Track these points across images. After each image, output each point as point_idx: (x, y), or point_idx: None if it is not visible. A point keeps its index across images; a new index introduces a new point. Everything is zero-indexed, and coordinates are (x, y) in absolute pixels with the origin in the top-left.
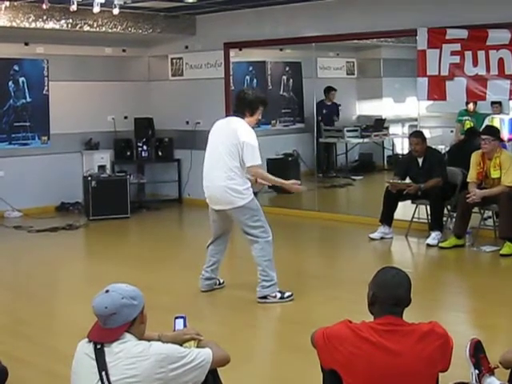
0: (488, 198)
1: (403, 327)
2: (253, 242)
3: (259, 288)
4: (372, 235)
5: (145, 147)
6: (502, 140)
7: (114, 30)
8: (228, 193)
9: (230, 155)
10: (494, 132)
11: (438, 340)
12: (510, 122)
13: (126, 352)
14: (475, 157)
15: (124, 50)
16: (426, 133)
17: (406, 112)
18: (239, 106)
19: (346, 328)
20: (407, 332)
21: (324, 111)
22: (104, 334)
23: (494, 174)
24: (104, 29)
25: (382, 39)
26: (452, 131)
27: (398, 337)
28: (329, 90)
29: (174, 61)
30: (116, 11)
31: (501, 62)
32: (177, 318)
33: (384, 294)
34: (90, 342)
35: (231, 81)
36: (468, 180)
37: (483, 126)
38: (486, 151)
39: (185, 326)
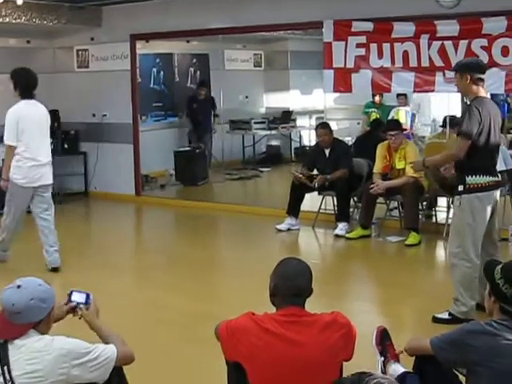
0: (393, 189)
1: (305, 318)
2: None
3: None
4: (279, 226)
5: (50, 140)
6: (404, 130)
7: (18, 20)
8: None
9: None
10: (399, 126)
11: (340, 330)
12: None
13: (28, 347)
14: (381, 149)
15: (28, 42)
16: (333, 125)
17: (313, 104)
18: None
19: (249, 320)
20: (309, 322)
21: (194, 105)
22: (7, 328)
23: (399, 165)
24: (8, 19)
25: (289, 31)
26: (359, 123)
27: (300, 327)
28: (199, 86)
29: (80, 52)
30: (20, 1)
31: (405, 54)
32: (76, 291)
33: (285, 285)
34: None
35: (138, 73)
36: (374, 171)
37: (389, 117)
38: (395, 145)
39: (87, 303)
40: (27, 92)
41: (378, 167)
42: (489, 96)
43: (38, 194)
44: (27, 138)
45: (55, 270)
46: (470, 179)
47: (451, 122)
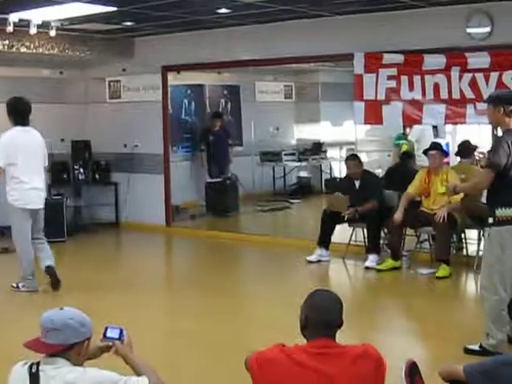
0: (422, 221)
1: (336, 349)
2: None
3: None
4: (309, 258)
5: (82, 170)
6: (447, 155)
7: (51, 51)
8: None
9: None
10: (441, 147)
11: (371, 362)
12: (446, 146)
13: (60, 377)
14: (421, 173)
15: (61, 72)
16: (363, 156)
17: (343, 136)
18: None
19: (279, 352)
20: (340, 354)
21: (211, 138)
22: (39, 344)
23: (441, 189)
24: (41, 50)
25: (319, 63)
26: (389, 155)
27: (332, 359)
28: (213, 118)
29: (112, 83)
30: (53, 33)
31: (436, 86)
32: (110, 327)
33: (316, 317)
34: (25, 364)
35: (169, 104)
36: (407, 191)
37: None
38: (435, 166)
39: (120, 338)
40: (19, 118)
41: (411, 188)
42: None
43: (34, 217)
44: (22, 162)
45: (49, 267)
46: (500, 212)
47: (465, 147)
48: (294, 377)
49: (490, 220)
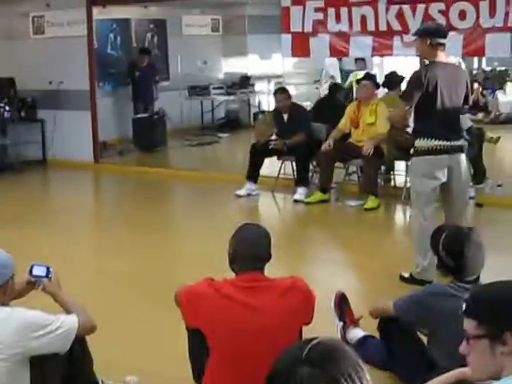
0: (353, 153)
1: (264, 282)
2: None
3: None
4: (238, 192)
5: (7, 108)
6: (379, 86)
7: None
8: None
9: None
10: (372, 78)
11: (299, 294)
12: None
13: None
14: (350, 107)
15: None
16: (292, 89)
17: (271, 69)
18: None
19: (208, 286)
20: (268, 287)
21: (137, 73)
22: None
23: (370, 120)
24: None
25: None
26: (317, 88)
27: (260, 292)
28: (140, 53)
29: (36, 19)
30: None
31: (363, 18)
32: (36, 264)
33: (244, 250)
34: None
35: (94, 39)
36: (338, 126)
37: (347, 82)
38: (366, 96)
39: (47, 275)
40: None
41: (342, 123)
42: (451, 60)
43: None
44: None
45: None
46: (418, 142)
47: (392, 79)
48: (223, 310)
49: (412, 151)
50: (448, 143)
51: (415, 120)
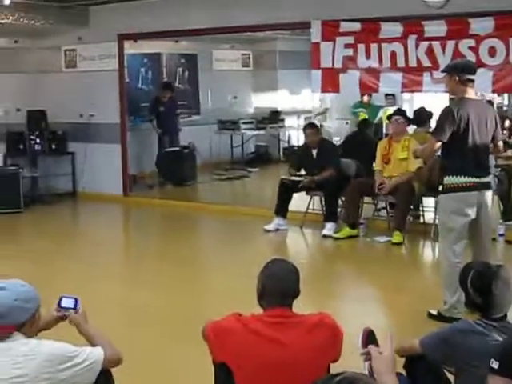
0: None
1: (292, 319)
2: None
3: None
4: (267, 227)
5: (38, 140)
6: (410, 121)
7: (6, 20)
8: None
9: None
10: (404, 113)
11: (327, 330)
12: None
13: (14, 350)
14: (381, 144)
15: (16, 41)
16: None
17: (301, 104)
18: None
19: (235, 321)
20: (296, 323)
21: (161, 108)
22: None
23: (402, 155)
24: None
25: (277, 32)
26: (347, 123)
27: (287, 328)
28: (163, 88)
29: (68, 52)
30: (7, 1)
31: (393, 54)
32: (65, 296)
33: (272, 286)
34: None
35: (126, 73)
36: (374, 168)
37: (377, 117)
38: (396, 131)
39: (75, 307)
40: None
41: (378, 163)
42: (479, 97)
43: None
44: None
45: None
46: (447, 179)
47: (420, 115)
48: (250, 345)
49: (440, 188)
50: (477, 180)
51: (444, 156)
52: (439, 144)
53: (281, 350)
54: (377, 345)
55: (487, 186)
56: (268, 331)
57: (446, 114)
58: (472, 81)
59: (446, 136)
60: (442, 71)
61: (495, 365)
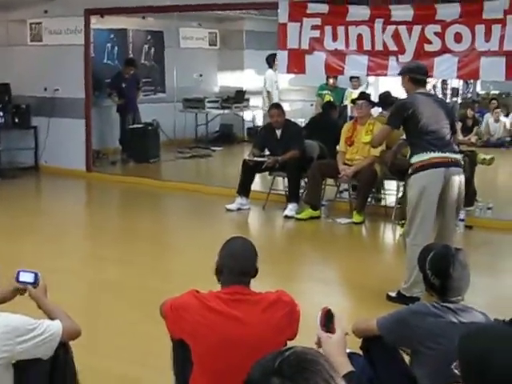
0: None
1: (250, 296)
2: None
3: None
4: (229, 206)
5: (1, 113)
6: (375, 105)
7: None
8: None
9: None
10: (368, 97)
11: (284, 308)
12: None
13: None
14: (346, 125)
15: None
16: (286, 106)
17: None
18: None
19: (193, 298)
20: (254, 301)
21: (123, 84)
22: None
23: (365, 139)
24: None
25: (244, 11)
26: (312, 105)
27: (245, 306)
28: (126, 64)
29: (33, 26)
30: None
31: (359, 37)
32: (23, 270)
33: (230, 264)
34: None
35: (91, 48)
36: (338, 149)
37: (343, 99)
38: (361, 115)
39: (34, 282)
40: None
41: (341, 146)
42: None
43: None
44: None
45: None
46: (414, 159)
47: (386, 99)
48: (207, 322)
49: (410, 170)
50: (443, 155)
51: (410, 146)
52: (388, 131)
53: (238, 327)
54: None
55: (455, 163)
56: (226, 308)
57: (398, 104)
58: (424, 81)
59: (398, 124)
60: (398, 74)
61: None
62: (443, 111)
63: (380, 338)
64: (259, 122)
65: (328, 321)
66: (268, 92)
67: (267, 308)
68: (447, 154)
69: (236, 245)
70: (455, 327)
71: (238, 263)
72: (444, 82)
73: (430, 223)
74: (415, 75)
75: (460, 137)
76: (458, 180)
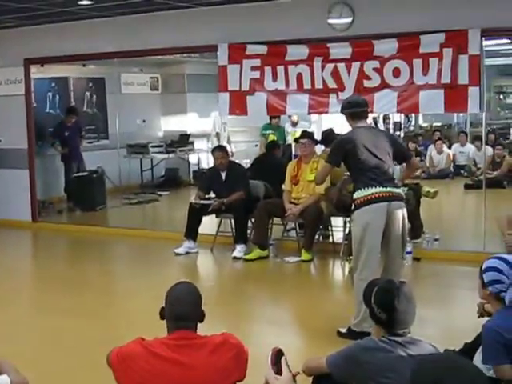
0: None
1: (196, 340)
2: None
3: None
4: (177, 250)
5: None
6: (318, 142)
7: None
8: None
9: None
10: (311, 135)
11: (231, 350)
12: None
13: None
14: (291, 164)
15: None
16: (232, 147)
17: (209, 127)
18: None
19: (139, 346)
20: (199, 345)
21: (66, 133)
22: None
23: (310, 177)
24: None
25: (185, 55)
26: (256, 145)
27: (191, 350)
28: (68, 113)
29: None
30: None
31: (299, 76)
32: None
33: (172, 309)
34: None
35: (33, 97)
36: (284, 188)
37: (287, 138)
38: (305, 154)
39: None
40: None
41: (287, 184)
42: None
43: None
44: None
45: None
46: (356, 194)
47: (328, 136)
48: (154, 369)
49: (352, 205)
50: (384, 190)
51: (353, 181)
52: (329, 168)
53: (185, 372)
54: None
55: (397, 197)
56: (171, 354)
57: (337, 141)
58: (365, 113)
59: (338, 160)
60: (340, 111)
61: None
62: (387, 142)
63: (330, 376)
64: (205, 165)
65: (278, 360)
66: (217, 133)
67: (213, 351)
68: (388, 189)
69: (178, 291)
70: (404, 360)
71: (180, 309)
72: (386, 117)
73: (375, 258)
74: (355, 110)
75: (416, 161)
76: (401, 214)
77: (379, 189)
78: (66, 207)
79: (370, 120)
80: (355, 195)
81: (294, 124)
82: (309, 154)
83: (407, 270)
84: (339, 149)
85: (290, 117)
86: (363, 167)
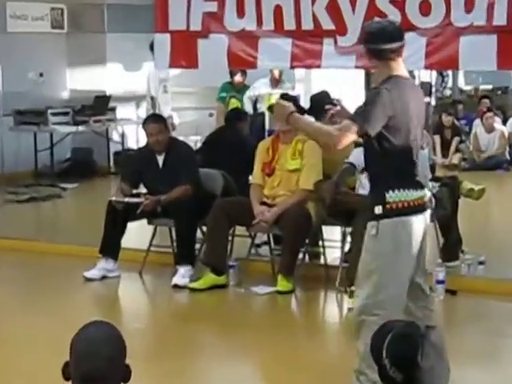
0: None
1: None
2: None
3: None
4: (88, 274)
5: None
6: (305, 112)
7: None
8: None
9: None
10: (295, 100)
11: None
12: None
13: None
14: (263, 144)
15: None
16: (173, 117)
17: (141, 86)
18: None
19: None
20: None
21: None
22: None
23: (292, 164)
24: None
25: None
26: (211, 114)
27: None
28: None
29: None
30: None
31: (278, 11)
32: None
33: (83, 366)
34: None
35: None
36: (251, 181)
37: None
38: (284, 129)
39: None
40: None
41: (256, 176)
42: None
43: None
44: None
45: None
46: (392, 196)
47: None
48: None
49: (378, 209)
50: (427, 194)
51: (383, 165)
52: (354, 136)
53: None
54: None
55: (430, 203)
56: None
57: (381, 95)
58: (397, 51)
59: (377, 127)
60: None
61: None
62: (421, 111)
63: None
64: (132, 144)
65: None
66: (152, 97)
67: None
68: (426, 191)
69: (88, 337)
70: None
71: (90, 365)
72: (410, 74)
73: (404, 295)
74: (379, 45)
75: (438, 156)
76: (427, 227)
77: (423, 192)
78: None
79: None
80: (392, 196)
81: (276, 83)
82: (290, 129)
83: (437, 308)
84: (386, 110)
85: (271, 71)
86: (408, 154)
